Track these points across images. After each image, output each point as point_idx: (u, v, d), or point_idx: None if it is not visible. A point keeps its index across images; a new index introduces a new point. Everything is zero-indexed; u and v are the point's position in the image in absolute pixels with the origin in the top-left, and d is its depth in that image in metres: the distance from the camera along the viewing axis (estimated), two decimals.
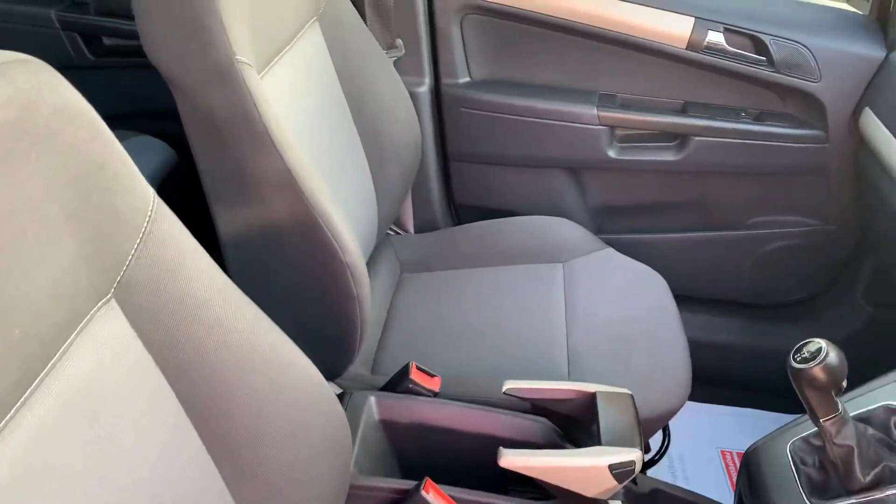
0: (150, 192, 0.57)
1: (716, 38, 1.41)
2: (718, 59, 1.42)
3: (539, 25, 1.49)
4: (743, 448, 0.96)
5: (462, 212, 1.72)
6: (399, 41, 1.46)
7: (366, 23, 1.36)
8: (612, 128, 1.52)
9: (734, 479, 1.56)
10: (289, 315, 0.79)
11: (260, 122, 0.89)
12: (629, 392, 0.98)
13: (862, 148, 1.44)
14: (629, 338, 1.23)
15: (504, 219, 1.53)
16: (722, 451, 1.66)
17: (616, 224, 1.66)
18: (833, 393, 0.79)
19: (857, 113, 1.41)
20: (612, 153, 1.54)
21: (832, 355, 0.78)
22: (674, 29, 1.42)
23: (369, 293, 1.02)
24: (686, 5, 1.42)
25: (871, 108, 1.37)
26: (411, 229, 1.65)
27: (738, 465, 1.24)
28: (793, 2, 1.52)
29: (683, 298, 1.41)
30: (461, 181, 1.67)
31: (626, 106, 1.52)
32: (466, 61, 1.55)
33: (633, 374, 1.16)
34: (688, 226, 1.63)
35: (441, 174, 1.66)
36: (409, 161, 1.40)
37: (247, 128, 0.90)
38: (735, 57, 1.42)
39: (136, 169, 0.56)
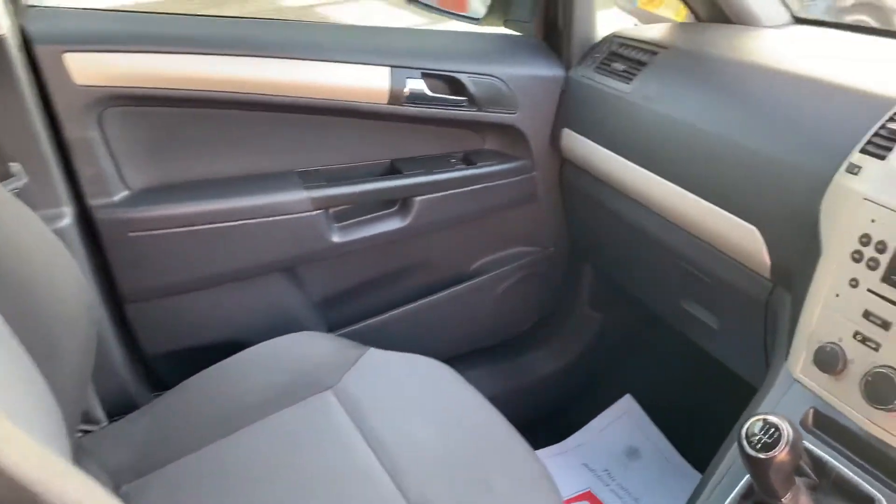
0: None
1: (416, 85, 1.24)
2: (423, 107, 1.26)
3: (204, 105, 1.15)
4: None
5: (161, 367, 1.29)
6: (15, 166, 0.99)
7: None
8: (328, 209, 1.26)
9: None
10: None
11: None
12: None
13: (565, 167, 1.44)
14: (468, 456, 1.01)
15: (228, 360, 1.16)
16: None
17: (349, 313, 1.41)
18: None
19: (555, 135, 1.40)
20: (335, 237, 1.28)
21: (791, 431, 0.70)
22: (371, 84, 1.21)
23: None
24: (376, 54, 1.23)
25: (568, 127, 1.37)
26: (102, 418, 1.17)
27: None
28: (474, 33, 1.43)
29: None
30: (149, 328, 1.24)
31: (333, 179, 1.27)
32: (118, 170, 1.14)
33: (503, 499, 0.95)
34: (422, 290, 1.47)
35: (117, 327, 1.21)
36: (82, 325, 0.96)
37: None
38: (438, 102, 1.28)
39: None
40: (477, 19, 1.46)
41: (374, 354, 1.18)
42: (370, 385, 1.12)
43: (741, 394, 1.19)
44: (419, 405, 1.10)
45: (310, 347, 1.20)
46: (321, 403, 1.09)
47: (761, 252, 1.00)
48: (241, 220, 1.19)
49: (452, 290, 1.47)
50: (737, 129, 1.05)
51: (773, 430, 0.71)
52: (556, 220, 1.52)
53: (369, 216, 1.31)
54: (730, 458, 0.88)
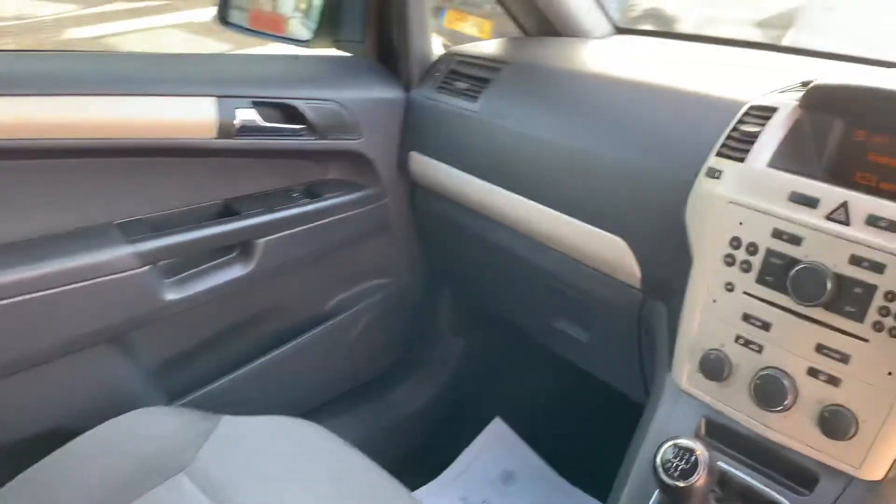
0: None
1: (247, 115, 1.12)
2: (257, 139, 1.14)
3: None
4: None
5: None
6: None
7: None
8: (157, 263, 1.10)
9: None
10: None
11: None
12: None
13: (417, 192, 1.37)
14: None
15: (54, 454, 0.96)
16: None
17: (193, 378, 1.25)
18: None
19: (403, 159, 1.33)
20: (168, 295, 1.12)
21: (706, 454, 0.67)
22: (196, 117, 1.07)
23: None
24: (200, 83, 1.09)
25: (416, 150, 1.30)
26: None
27: None
28: (307, 57, 1.32)
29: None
30: None
31: (160, 228, 1.11)
32: None
33: None
34: (273, 340, 1.33)
35: None
36: None
37: None
38: (274, 133, 1.16)
39: None
40: (304, 41, 1.35)
41: (229, 423, 1.03)
42: (229, 459, 0.97)
43: (617, 406, 1.18)
44: (287, 471, 0.98)
45: (152, 426, 1.03)
46: (175, 489, 0.93)
47: (630, 264, 0.98)
48: (53, 287, 1.00)
49: (307, 335, 1.35)
50: (592, 140, 1.03)
51: (687, 454, 0.68)
52: (410, 247, 1.45)
53: (206, 266, 1.17)
54: (635, 485, 0.85)
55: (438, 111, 1.26)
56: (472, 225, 1.26)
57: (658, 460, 0.69)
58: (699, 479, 0.66)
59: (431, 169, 1.28)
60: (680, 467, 0.67)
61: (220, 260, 1.18)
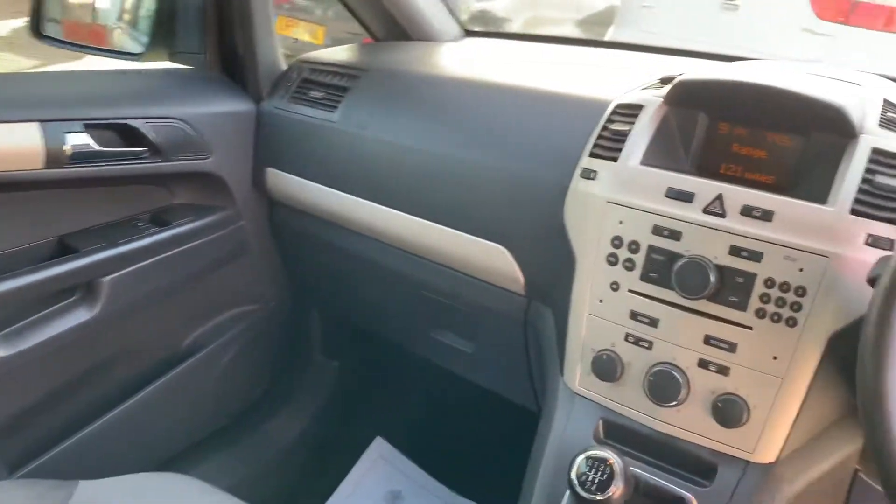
0: None
1: (80, 140, 0.99)
2: (93, 166, 1.01)
3: None
4: None
5: None
6: None
7: None
8: None
9: None
10: None
11: None
12: None
13: (276, 210, 1.29)
14: None
15: None
16: None
17: (38, 441, 1.09)
18: None
19: (259, 177, 1.24)
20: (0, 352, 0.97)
21: (620, 463, 0.66)
22: (17, 145, 0.93)
23: None
24: (19, 107, 0.95)
25: (273, 166, 1.22)
26: None
27: None
28: (144, 71, 1.19)
29: None
30: None
31: None
32: None
33: None
34: (129, 387, 1.20)
35: None
36: None
37: None
38: (112, 158, 1.04)
39: None
40: (135, 55, 1.22)
41: (87, 488, 0.90)
42: None
43: (506, 414, 1.16)
44: None
45: None
46: None
47: (513, 271, 0.96)
48: None
49: (167, 377, 1.23)
50: (464, 146, 1.00)
51: (601, 465, 0.66)
52: (274, 270, 1.36)
53: (43, 313, 1.02)
54: (542, 496, 0.82)
55: (294, 123, 1.18)
56: (337, 241, 1.20)
57: (573, 474, 0.67)
58: (617, 490, 0.65)
59: (290, 185, 1.20)
60: (597, 480, 0.65)
61: (58, 305, 1.04)
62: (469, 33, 1.45)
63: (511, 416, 1.11)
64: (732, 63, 0.94)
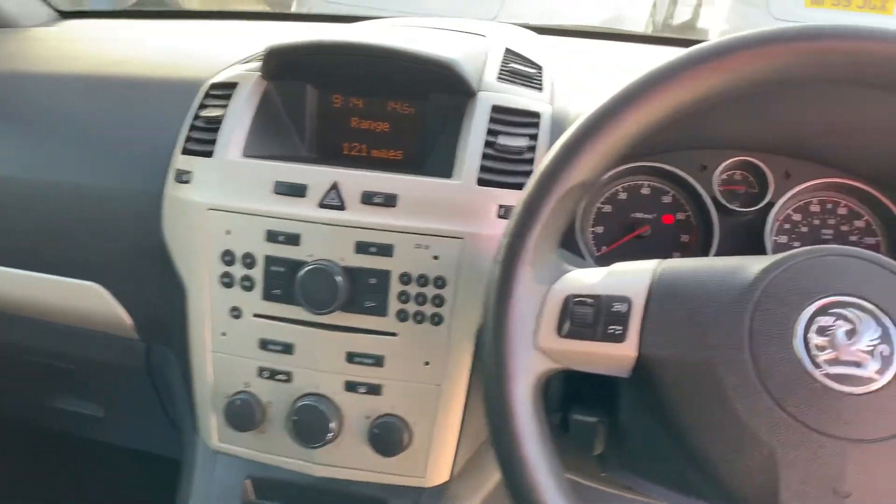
0: None
1: None
2: None
3: None
4: None
5: None
6: None
7: None
8: None
9: None
10: None
11: None
12: None
13: None
14: None
15: None
16: None
17: None
18: None
19: None
20: None
21: None
22: None
23: None
24: None
25: None
26: None
27: None
28: None
29: None
30: None
31: None
32: None
33: None
34: None
35: None
36: None
37: None
38: None
39: None
40: None
41: None
42: None
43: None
44: None
45: None
46: None
47: (115, 311, 0.75)
48: None
49: None
50: (40, 163, 0.76)
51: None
52: None
53: None
54: None
55: None
56: None
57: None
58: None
59: None
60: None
61: None
62: (65, 15, 1.18)
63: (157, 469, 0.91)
64: (348, 25, 0.81)
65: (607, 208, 0.73)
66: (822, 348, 0.41)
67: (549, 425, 0.45)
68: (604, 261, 0.69)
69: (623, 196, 0.73)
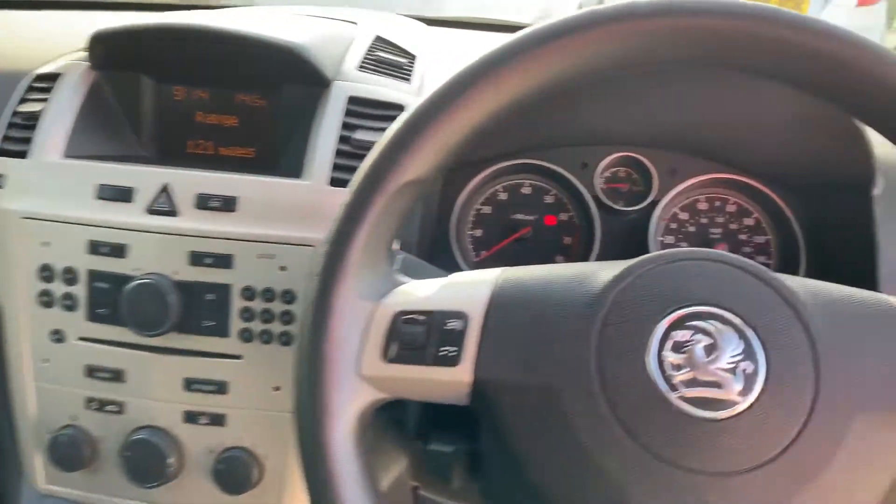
0: None
1: None
2: None
3: None
4: None
5: None
6: None
7: None
8: None
9: None
10: None
11: None
12: None
13: None
14: None
15: None
16: None
17: None
18: None
19: None
20: None
21: None
22: None
23: None
24: None
25: None
26: None
27: None
28: None
29: None
30: None
31: None
32: None
33: None
34: None
35: None
36: None
37: None
38: None
39: None
40: None
41: None
42: None
43: None
44: None
45: None
46: None
47: None
48: None
49: None
50: None
51: None
52: None
53: None
54: None
55: None
56: None
57: None
58: None
59: None
60: None
61: None
62: None
63: None
64: (204, 11, 0.73)
65: (486, 209, 0.67)
66: (678, 367, 0.35)
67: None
68: (482, 267, 0.63)
69: (503, 196, 0.67)
